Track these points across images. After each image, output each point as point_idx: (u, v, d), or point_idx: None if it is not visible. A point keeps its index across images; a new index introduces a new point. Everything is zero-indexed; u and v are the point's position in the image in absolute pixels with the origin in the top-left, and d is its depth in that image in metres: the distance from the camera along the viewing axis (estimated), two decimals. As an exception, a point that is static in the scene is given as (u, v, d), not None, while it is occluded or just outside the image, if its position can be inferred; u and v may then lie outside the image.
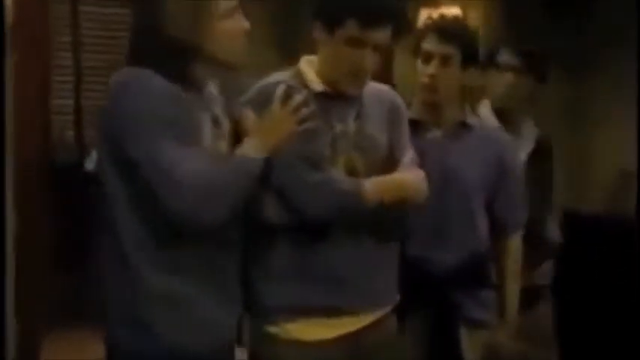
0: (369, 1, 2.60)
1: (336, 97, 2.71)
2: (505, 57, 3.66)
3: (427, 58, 3.18)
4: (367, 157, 2.75)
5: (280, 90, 2.59)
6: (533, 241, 3.45)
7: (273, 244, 2.68)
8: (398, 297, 2.87)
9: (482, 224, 3.23)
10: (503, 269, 3.31)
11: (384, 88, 2.89)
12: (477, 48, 3.24)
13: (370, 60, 2.64)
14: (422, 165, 2.91)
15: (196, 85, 2.50)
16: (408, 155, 2.84)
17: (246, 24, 2.52)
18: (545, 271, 3.82)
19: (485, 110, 3.69)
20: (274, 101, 2.57)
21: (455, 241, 3.17)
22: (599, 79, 5.89)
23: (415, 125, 3.11)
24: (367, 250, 2.73)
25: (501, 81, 3.66)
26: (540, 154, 3.71)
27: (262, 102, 2.60)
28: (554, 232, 3.83)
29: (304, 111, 2.57)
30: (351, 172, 2.71)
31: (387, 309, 2.85)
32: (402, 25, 2.64)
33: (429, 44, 3.17)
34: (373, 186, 2.67)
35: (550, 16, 5.94)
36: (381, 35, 2.62)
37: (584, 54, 5.59)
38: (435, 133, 3.24)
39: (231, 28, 2.49)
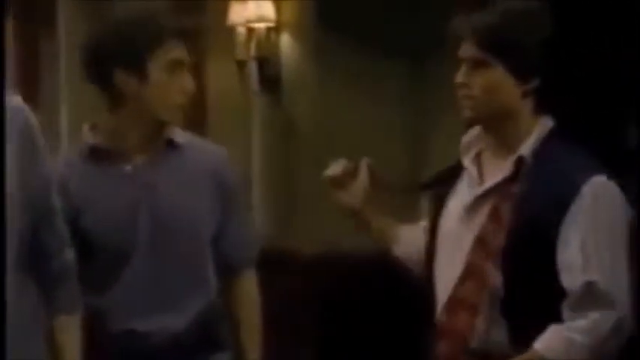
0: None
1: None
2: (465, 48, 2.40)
3: None
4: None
5: None
6: None
7: None
8: None
9: (211, 270, 2.65)
10: (237, 323, 2.72)
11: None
12: None
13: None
14: (122, 208, 2.52)
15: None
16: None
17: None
18: None
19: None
20: None
21: (178, 299, 2.57)
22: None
23: (106, 154, 2.55)
24: None
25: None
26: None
27: None
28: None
29: None
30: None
31: None
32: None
33: None
34: None
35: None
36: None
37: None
38: (135, 161, 2.56)
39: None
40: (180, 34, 2.51)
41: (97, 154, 2.58)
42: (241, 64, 5.35)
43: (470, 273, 2.41)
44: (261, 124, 5.52)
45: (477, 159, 2.47)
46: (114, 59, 2.48)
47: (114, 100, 2.53)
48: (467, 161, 2.48)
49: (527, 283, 2.34)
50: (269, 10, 5.16)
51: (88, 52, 2.54)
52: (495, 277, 2.34)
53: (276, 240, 5.43)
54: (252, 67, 5.33)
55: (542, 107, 2.46)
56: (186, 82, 2.52)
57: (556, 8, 2.42)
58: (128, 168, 2.57)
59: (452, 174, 2.52)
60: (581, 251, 2.30)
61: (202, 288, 2.64)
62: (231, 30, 5.31)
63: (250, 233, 2.83)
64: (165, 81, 2.49)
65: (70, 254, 2.33)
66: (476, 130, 2.50)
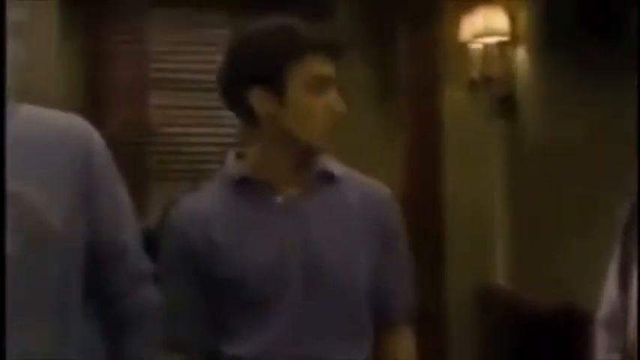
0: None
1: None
2: None
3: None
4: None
5: None
6: None
7: None
8: None
9: (368, 321, 2.34)
10: None
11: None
12: None
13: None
14: (272, 245, 2.25)
15: None
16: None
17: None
18: None
19: None
20: None
21: (331, 353, 2.28)
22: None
23: (254, 185, 2.30)
24: None
25: None
26: None
27: None
28: None
29: None
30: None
31: None
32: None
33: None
34: None
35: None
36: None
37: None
38: (288, 193, 2.30)
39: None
40: (327, 48, 2.24)
41: (243, 186, 2.32)
42: (474, 84, 4.96)
43: None
44: (501, 149, 5.12)
45: None
46: (248, 76, 2.23)
47: (253, 125, 2.29)
48: None
49: None
50: (502, 23, 4.74)
51: (222, 71, 2.31)
52: None
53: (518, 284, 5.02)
54: (486, 87, 4.94)
55: None
56: (334, 101, 2.23)
57: None
58: (279, 199, 2.29)
59: None
60: None
61: (358, 341, 2.33)
62: (462, 47, 4.94)
63: (410, 283, 2.45)
64: (307, 100, 2.23)
65: (148, 293, 2.15)
66: None
